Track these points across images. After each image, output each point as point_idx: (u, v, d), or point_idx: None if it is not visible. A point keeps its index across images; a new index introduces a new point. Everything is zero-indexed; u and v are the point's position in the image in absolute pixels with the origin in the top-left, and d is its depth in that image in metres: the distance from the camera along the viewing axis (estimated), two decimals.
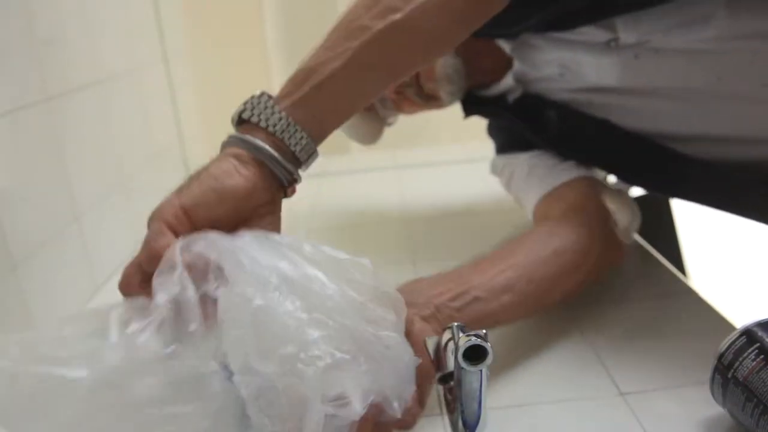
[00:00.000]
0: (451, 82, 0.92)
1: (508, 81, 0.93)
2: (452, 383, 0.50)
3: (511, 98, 0.92)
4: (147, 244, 0.49)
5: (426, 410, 0.60)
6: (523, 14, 0.79)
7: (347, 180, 1.22)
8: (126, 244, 1.01)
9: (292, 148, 0.54)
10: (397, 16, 0.56)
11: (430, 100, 0.96)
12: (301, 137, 0.55)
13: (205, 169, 0.53)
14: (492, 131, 1.02)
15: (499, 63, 0.93)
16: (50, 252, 0.77)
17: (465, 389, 0.48)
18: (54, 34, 0.84)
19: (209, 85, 1.50)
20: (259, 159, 0.53)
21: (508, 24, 0.80)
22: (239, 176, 0.52)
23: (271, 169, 0.54)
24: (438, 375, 0.53)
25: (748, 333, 0.52)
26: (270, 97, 0.55)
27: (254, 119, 0.54)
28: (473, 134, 1.01)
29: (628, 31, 0.74)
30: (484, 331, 0.47)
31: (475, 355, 0.47)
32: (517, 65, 0.90)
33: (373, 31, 0.56)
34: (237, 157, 0.53)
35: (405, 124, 1.09)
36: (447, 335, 0.51)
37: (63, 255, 0.81)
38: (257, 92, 0.56)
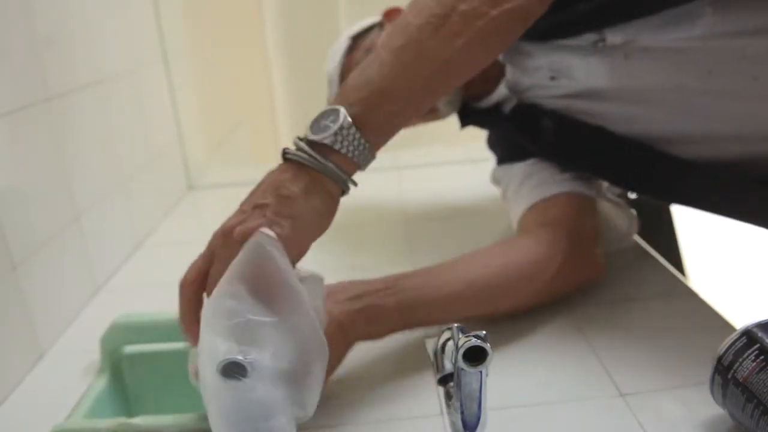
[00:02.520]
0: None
1: (501, 90, 0.95)
2: (452, 384, 0.50)
3: (506, 108, 0.93)
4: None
5: (426, 410, 0.60)
6: None
7: None
8: (126, 244, 1.01)
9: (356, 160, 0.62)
10: (460, 42, 0.59)
11: (428, 112, 0.98)
12: (363, 147, 0.62)
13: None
14: (491, 143, 1.03)
15: (492, 72, 0.95)
16: (50, 252, 0.77)
17: (465, 390, 0.48)
18: (54, 34, 0.84)
19: (209, 85, 1.50)
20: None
21: None
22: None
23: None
24: (438, 376, 0.53)
25: (748, 334, 0.51)
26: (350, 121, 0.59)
27: (343, 150, 0.61)
28: (473, 135, 1.02)
29: (614, 32, 0.74)
30: (483, 332, 0.47)
31: (475, 356, 0.47)
32: (509, 73, 0.91)
33: (440, 60, 0.60)
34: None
35: None
36: (446, 336, 0.52)
37: (63, 255, 0.81)
38: (341, 116, 0.59)
